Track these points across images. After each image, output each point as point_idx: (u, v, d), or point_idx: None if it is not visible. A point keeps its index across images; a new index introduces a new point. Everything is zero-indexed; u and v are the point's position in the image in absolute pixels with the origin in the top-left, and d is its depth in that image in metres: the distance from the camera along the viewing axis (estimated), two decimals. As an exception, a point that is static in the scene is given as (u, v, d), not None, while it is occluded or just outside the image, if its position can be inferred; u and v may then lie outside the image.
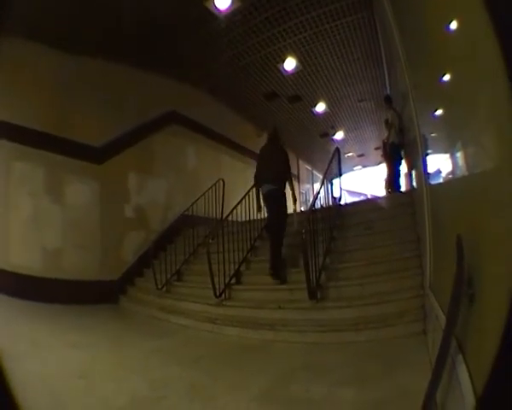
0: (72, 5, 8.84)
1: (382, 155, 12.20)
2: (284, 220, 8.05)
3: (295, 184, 9.17)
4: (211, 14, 10.42)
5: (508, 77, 1.38)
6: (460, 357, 2.24)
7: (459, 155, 2.69)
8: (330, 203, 8.90)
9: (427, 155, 4.56)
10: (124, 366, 5.21)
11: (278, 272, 7.46)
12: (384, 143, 11.31)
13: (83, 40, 9.86)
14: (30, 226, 9.35)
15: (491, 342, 1.49)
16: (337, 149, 10.20)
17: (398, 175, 10.62)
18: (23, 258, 9.09)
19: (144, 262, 11.03)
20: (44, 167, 9.69)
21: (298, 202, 8.98)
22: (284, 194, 8.01)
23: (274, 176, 7.92)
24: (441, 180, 3.61)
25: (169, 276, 9.61)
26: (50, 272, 9.38)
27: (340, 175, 10.52)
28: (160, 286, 9.43)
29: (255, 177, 8.45)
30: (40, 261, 9.37)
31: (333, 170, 9.53)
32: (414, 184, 7.76)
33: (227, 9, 10.30)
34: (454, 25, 2.42)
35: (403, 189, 10.52)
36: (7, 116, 8.87)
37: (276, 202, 7.93)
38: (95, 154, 10.69)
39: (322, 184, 8.34)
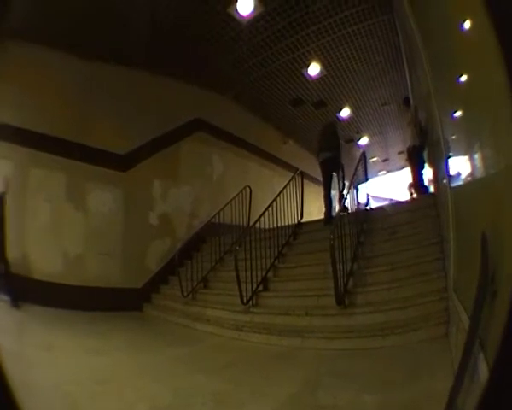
0: (96, 13, 8.94)
1: (406, 160, 12.11)
2: (338, 179, 10.19)
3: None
4: (234, 21, 10.43)
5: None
6: (481, 356, 2.19)
7: (482, 155, 2.65)
8: (357, 209, 8.90)
9: (450, 156, 4.50)
10: (146, 373, 5.16)
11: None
12: (408, 148, 11.20)
13: (105, 47, 9.97)
14: (51, 233, 9.44)
15: (507, 335, 1.45)
16: (363, 154, 10.18)
17: (422, 178, 10.49)
18: (43, 264, 9.14)
19: (169, 270, 11.01)
20: (66, 174, 9.81)
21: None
22: (337, 158, 10.02)
23: (328, 146, 10.09)
24: (464, 181, 3.56)
25: (195, 283, 9.57)
26: (71, 279, 9.43)
27: (367, 180, 10.59)
28: (185, 293, 9.38)
29: (317, 150, 10.51)
30: (61, 268, 9.43)
31: (358, 175, 9.52)
32: (437, 186, 7.70)
33: (249, 15, 10.29)
34: (474, 25, 2.38)
35: (426, 192, 10.37)
36: (25, 123, 8.97)
37: (330, 163, 10.02)
38: (119, 161, 10.80)
39: (349, 189, 8.38)
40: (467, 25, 2.55)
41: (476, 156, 2.84)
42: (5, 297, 7.99)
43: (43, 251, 9.22)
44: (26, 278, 8.66)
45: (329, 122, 11.61)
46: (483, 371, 2.07)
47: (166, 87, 12.19)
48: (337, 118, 16.73)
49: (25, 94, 8.79)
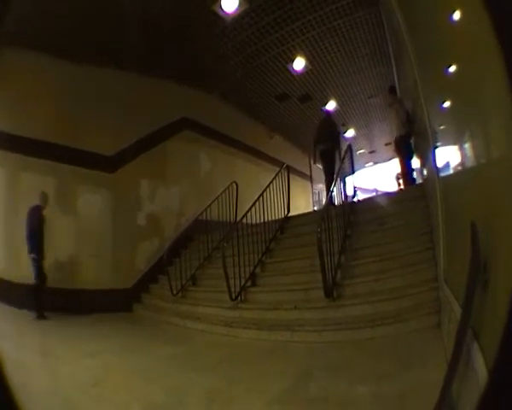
0: (82, 16, 8.88)
1: (394, 150, 12.17)
2: (333, 166, 10.67)
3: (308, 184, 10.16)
4: (218, 18, 10.40)
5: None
6: (475, 345, 2.20)
7: (470, 145, 2.67)
8: (344, 201, 8.95)
9: (438, 146, 4.52)
10: (138, 373, 5.14)
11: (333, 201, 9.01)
12: (395, 139, 11.25)
13: (91, 50, 9.90)
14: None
15: (506, 329, 1.44)
16: (349, 147, 10.27)
17: (410, 168, 10.54)
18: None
19: (159, 269, 10.94)
20: (54, 178, 9.79)
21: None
22: (333, 150, 10.92)
23: (323, 139, 11.11)
24: (453, 171, 3.57)
25: (184, 281, 9.53)
26: (62, 283, 9.34)
27: (354, 172, 10.95)
28: (175, 292, 9.33)
29: (314, 141, 11.48)
30: (51, 272, 9.27)
31: (345, 168, 9.57)
32: (425, 176, 7.75)
33: (234, 12, 10.26)
34: (461, 17, 2.40)
35: (414, 182, 10.43)
36: (13, 128, 8.94)
37: (328, 155, 10.95)
38: (106, 163, 10.74)
39: (336, 181, 8.43)
40: (455, 16, 2.56)
41: (464, 146, 2.85)
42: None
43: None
44: (17, 284, 8.63)
45: (326, 115, 12.36)
46: (477, 359, 2.08)
47: (152, 87, 12.16)
48: (323, 111, 16.79)
49: (15, 99, 8.75)
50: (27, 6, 6.82)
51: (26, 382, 3.71)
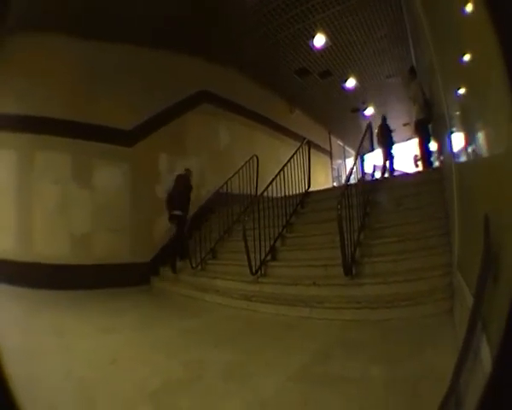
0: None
1: (414, 133, 12.18)
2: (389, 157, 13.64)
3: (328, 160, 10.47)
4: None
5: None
6: (484, 337, 2.23)
7: (486, 134, 2.63)
8: (362, 179, 8.91)
9: (454, 132, 4.47)
10: (157, 348, 5.19)
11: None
12: (415, 121, 11.19)
13: (107, 26, 9.86)
14: (57, 215, 9.51)
15: (508, 321, 1.49)
16: (369, 125, 10.20)
17: (429, 151, 10.49)
18: (51, 248, 9.25)
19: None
20: (71, 155, 9.86)
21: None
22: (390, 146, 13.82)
23: (383, 141, 13.78)
24: (468, 159, 3.54)
25: (204, 254, 9.61)
26: (80, 259, 9.53)
27: (373, 150, 11.66)
28: (194, 265, 9.44)
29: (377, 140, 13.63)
30: (69, 249, 9.52)
31: (365, 145, 9.52)
32: (442, 160, 7.70)
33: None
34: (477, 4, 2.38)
35: (431, 165, 10.44)
36: (33, 109, 9.07)
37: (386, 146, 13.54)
38: (125, 137, 10.79)
39: (356, 159, 8.41)
40: (469, 5, 2.54)
41: (480, 135, 2.82)
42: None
43: (53, 233, 9.39)
44: (33, 264, 8.79)
45: (384, 121, 14.49)
46: (484, 351, 2.14)
47: (172, 61, 12.21)
48: (342, 88, 16.77)
49: (31, 80, 8.90)
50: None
51: (40, 359, 3.79)
